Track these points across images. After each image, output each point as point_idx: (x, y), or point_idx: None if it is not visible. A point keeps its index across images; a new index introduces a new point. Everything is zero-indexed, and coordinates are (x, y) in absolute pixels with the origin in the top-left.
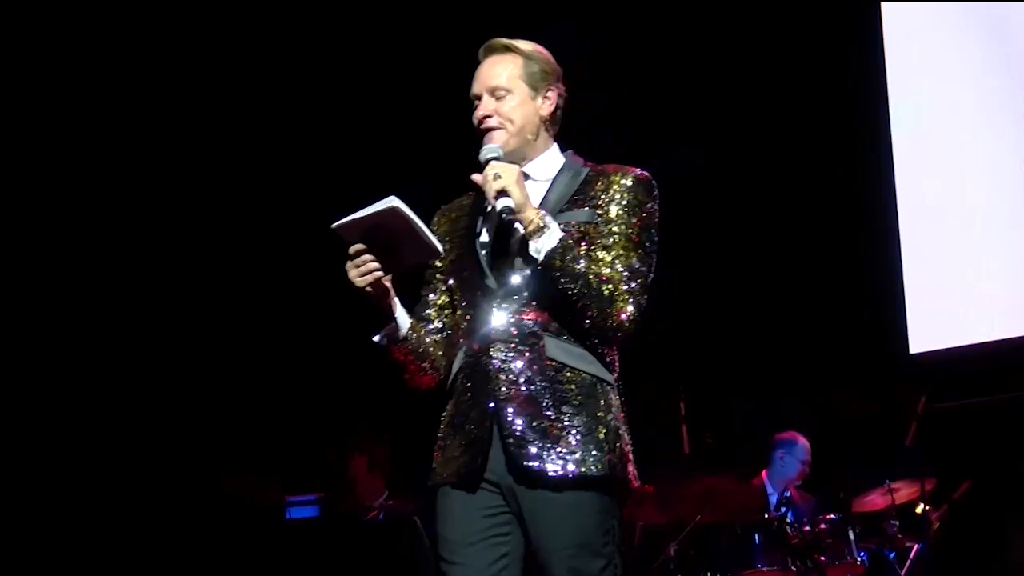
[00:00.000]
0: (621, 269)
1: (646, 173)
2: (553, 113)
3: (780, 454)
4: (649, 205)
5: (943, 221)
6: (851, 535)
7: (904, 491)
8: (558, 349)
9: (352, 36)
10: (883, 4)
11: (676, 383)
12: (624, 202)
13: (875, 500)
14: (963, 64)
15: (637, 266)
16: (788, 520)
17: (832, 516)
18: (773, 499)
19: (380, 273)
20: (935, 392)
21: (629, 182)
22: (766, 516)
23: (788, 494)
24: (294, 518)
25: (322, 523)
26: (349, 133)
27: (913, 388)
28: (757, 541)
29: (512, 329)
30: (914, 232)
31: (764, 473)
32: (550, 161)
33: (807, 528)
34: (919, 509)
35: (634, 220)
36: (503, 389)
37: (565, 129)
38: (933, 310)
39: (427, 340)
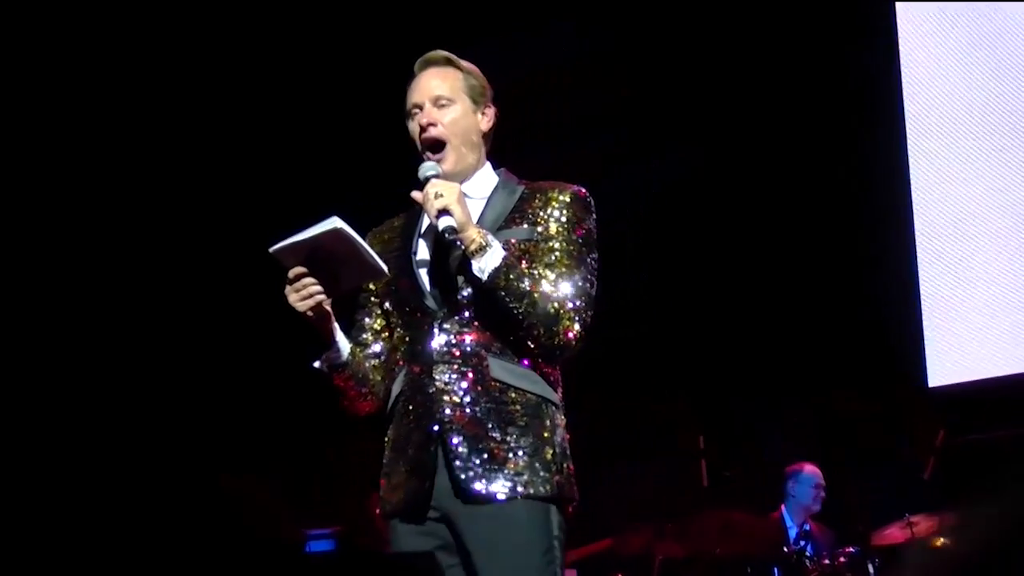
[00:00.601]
0: (565, 287)
1: (583, 189)
2: (489, 130)
3: (790, 485)
4: (588, 221)
5: (961, 251)
6: (871, 569)
7: (923, 525)
8: (502, 369)
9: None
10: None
11: (695, 417)
12: (563, 219)
13: (894, 533)
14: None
15: (580, 283)
16: (807, 553)
17: (851, 549)
18: (792, 532)
19: (322, 297)
20: (954, 425)
21: (567, 198)
22: (785, 549)
23: (807, 527)
24: (313, 552)
25: (340, 557)
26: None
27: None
28: (776, 574)
29: (454, 350)
30: (933, 274)
31: (783, 506)
32: (485, 179)
33: (826, 561)
34: (939, 542)
35: (574, 236)
36: (447, 411)
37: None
38: (952, 343)
39: (366, 365)
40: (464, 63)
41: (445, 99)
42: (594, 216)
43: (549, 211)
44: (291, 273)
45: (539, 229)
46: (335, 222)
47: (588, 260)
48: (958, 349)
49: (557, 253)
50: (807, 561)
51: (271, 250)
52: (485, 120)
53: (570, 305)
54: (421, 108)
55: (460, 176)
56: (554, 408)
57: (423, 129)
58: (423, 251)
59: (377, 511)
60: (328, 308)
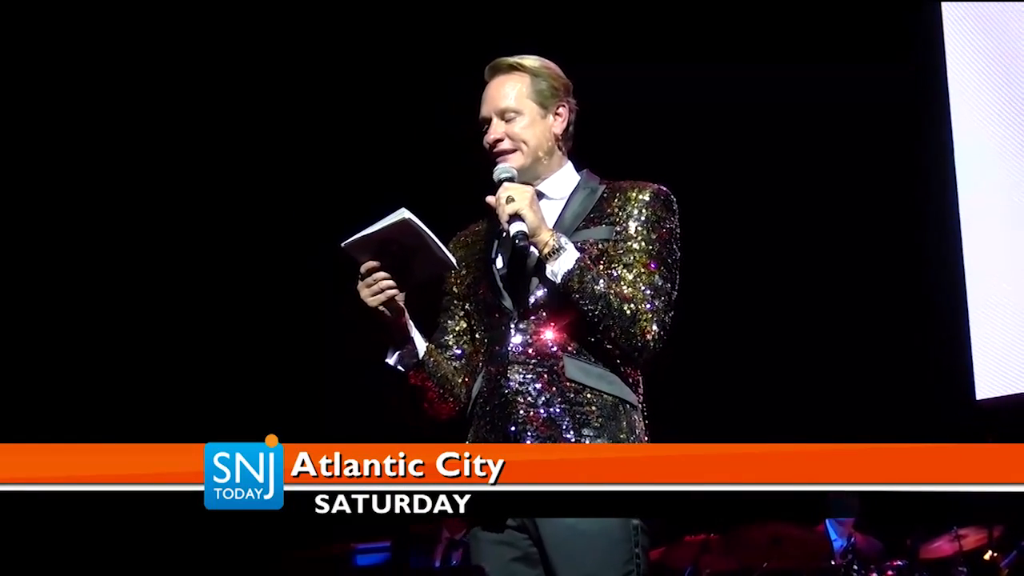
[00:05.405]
0: (643, 287)
1: (664, 188)
2: (565, 130)
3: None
4: (669, 220)
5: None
6: None
7: (972, 537)
8: (577, 369)
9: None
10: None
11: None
12: (643, 218)
13: (942, 547)
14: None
15: (660, 283)
16: (855, 567)
17: (899, 563)
18: (837, 545)
19: (394, 291)
20: (1002, 436)
21: (647, 197)
22: (832, 563)
23: (853, 540)
24: (362, 565)
25: (389, 571)
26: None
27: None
28: None
29: (530, 350)
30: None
31: (826, 519)
32: (565, 179)
33: (874, 575)
34: (987, 556)
35: (654, 236)
36: (521, 412)
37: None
38: (1001, 352)
39: (446, 367)
40: (531, 63)
41: (511, 111)
42: (676, 215)
43: (628, 210)
44: (363, 268)
45: (618, 229)
46: (404, 213)
47: (668, 260)
48: (1008, 359)
49: (636, 253)
50: (854, 575)
51: (342, 245)
52: (559, 121)
53: (647, 306)
54: (489, 122)
55: (535, 178)
56: (632, 409)
57: (492, 146)
58: (501, 253)
59: None
60: (401, 304)
